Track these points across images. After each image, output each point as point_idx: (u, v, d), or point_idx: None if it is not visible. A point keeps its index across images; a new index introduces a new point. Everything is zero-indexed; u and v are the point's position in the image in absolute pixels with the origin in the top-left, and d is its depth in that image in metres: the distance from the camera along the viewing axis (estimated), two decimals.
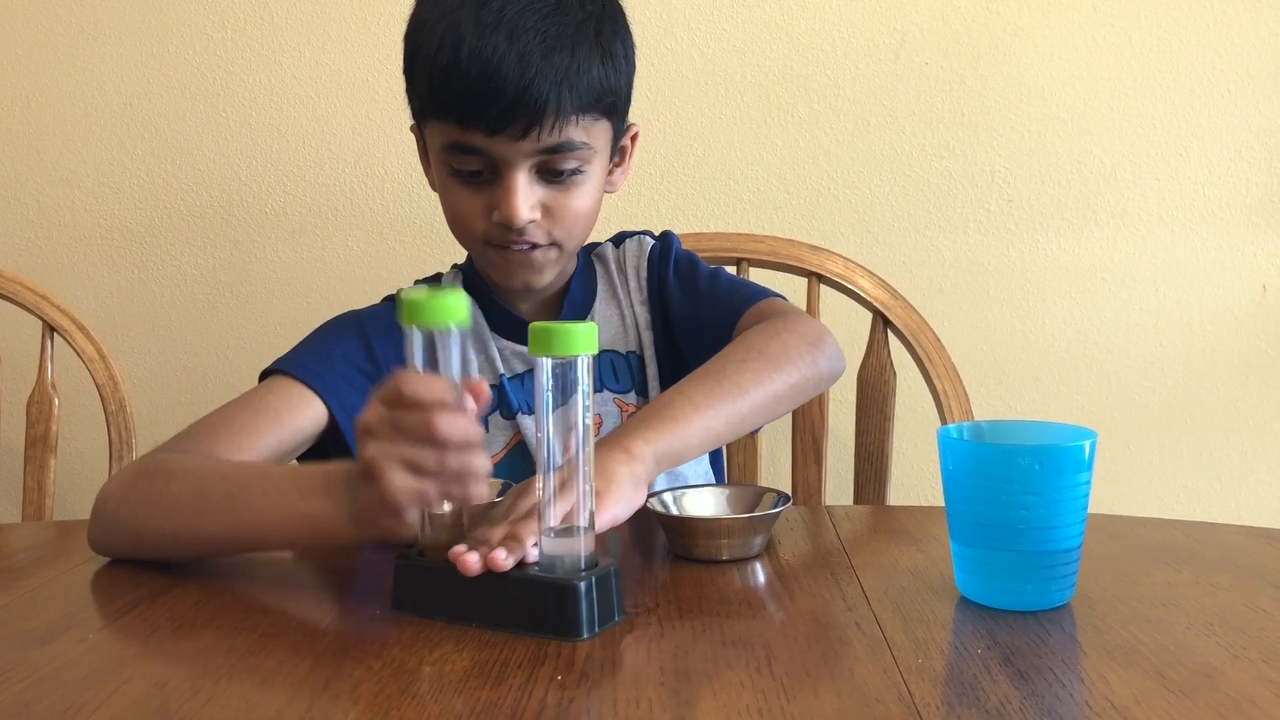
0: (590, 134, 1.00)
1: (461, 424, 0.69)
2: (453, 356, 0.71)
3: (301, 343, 1.06)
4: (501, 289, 1.12)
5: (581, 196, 1.02)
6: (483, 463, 0.70)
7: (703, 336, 1.06)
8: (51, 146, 1.62)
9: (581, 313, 1.13)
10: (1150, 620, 0.69)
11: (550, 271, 1.06)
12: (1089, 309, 1.59)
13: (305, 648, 0.66)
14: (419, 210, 1.60)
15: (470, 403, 0.71)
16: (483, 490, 0.71)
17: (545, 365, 0.68)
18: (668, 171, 1.56)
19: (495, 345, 1.11)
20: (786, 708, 0.56)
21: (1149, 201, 1.56)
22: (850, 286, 1.33)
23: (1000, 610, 0.71)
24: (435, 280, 1.17)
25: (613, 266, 1.16)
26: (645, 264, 1.15)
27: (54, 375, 1.34)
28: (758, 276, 1.37)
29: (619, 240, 1.19)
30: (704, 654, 0.64)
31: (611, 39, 1.01)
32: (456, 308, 0.69)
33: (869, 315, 1.33)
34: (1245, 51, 1.53)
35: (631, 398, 1.12)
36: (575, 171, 1.00)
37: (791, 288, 1.41)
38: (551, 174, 0.99)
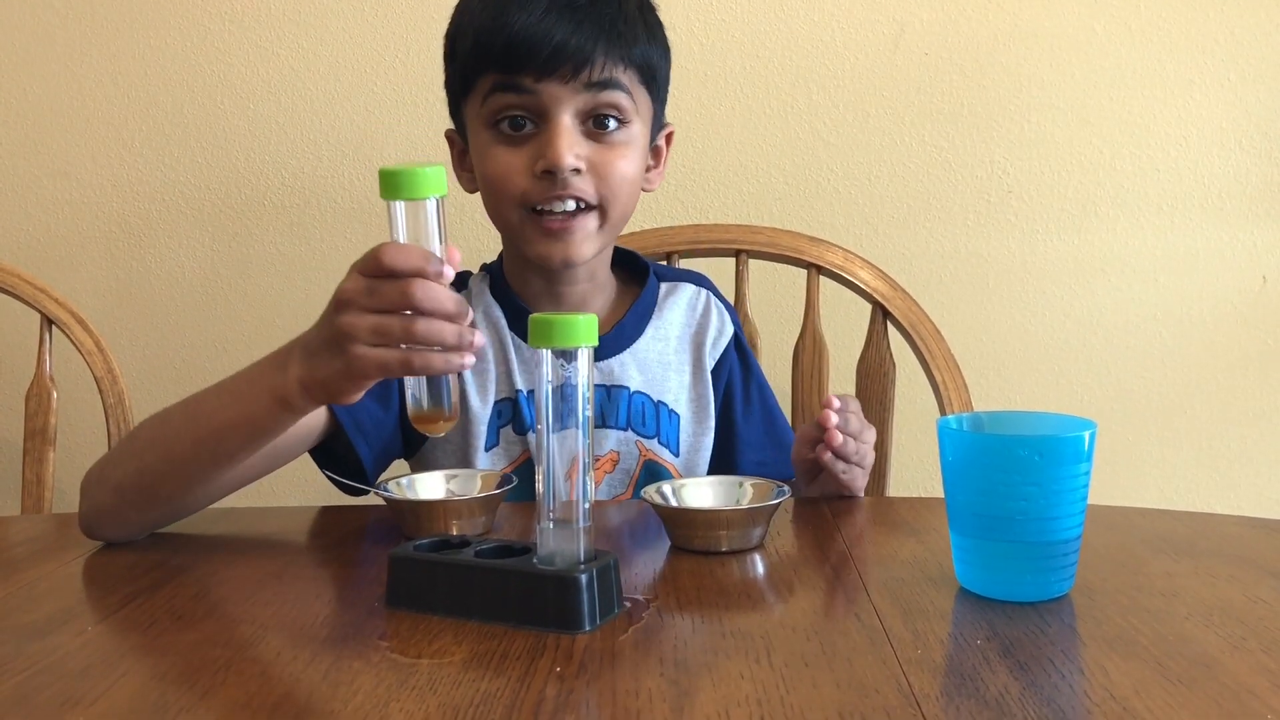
0: (634, 91, 1.02)
1: (436, 292, 0.71)
2: (432, 228, 0.72)
3: None
4: (531, 295, 1.10)
5: (625, 158, 1.02)
6: (455, 332, 0.72)
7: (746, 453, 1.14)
8: (49, 139, 1.61)
9: (623, 341, 1.12)
10: (1149, 611, 0.69)
11: (590, 245, 1.03)
12: (1088, 300, 1.58)
13: (303, 640, 0.66)
14: None
15: (448, 270, 0.73)
16: (456, 361, 0.73)
17: (546, 357, 0.68)
18: (667, 163, 1.56)
19: (519, 355, 1.09)
20: (785, 698, 0.56)
21: (1149, 192, 1.56)
22: (850, 278, 1.33)
23: (999, 601, 0.71)
24: (463, 278, 1.15)
25: (677, 315, 1.15)
26: (724, 344, 1.16)
27: (52, 368, 1.34)
28: (757, 268, 1.37)
29: (698, 281, 1.19)
30: (703, 645, 0.64)
31: (653, 21, 1.06)
32: (435, 178, 0.72)
33: (868, 307, 1.33)
34: (1245, 41, 1.53)
35: (654, 445, 1.11)
36: (619, 127, 1.02)
37: (791, 279, 1.41)
38: (597, 124, 1.01)
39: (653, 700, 0.56)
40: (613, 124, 1.01)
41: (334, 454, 1.02)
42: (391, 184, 0.71)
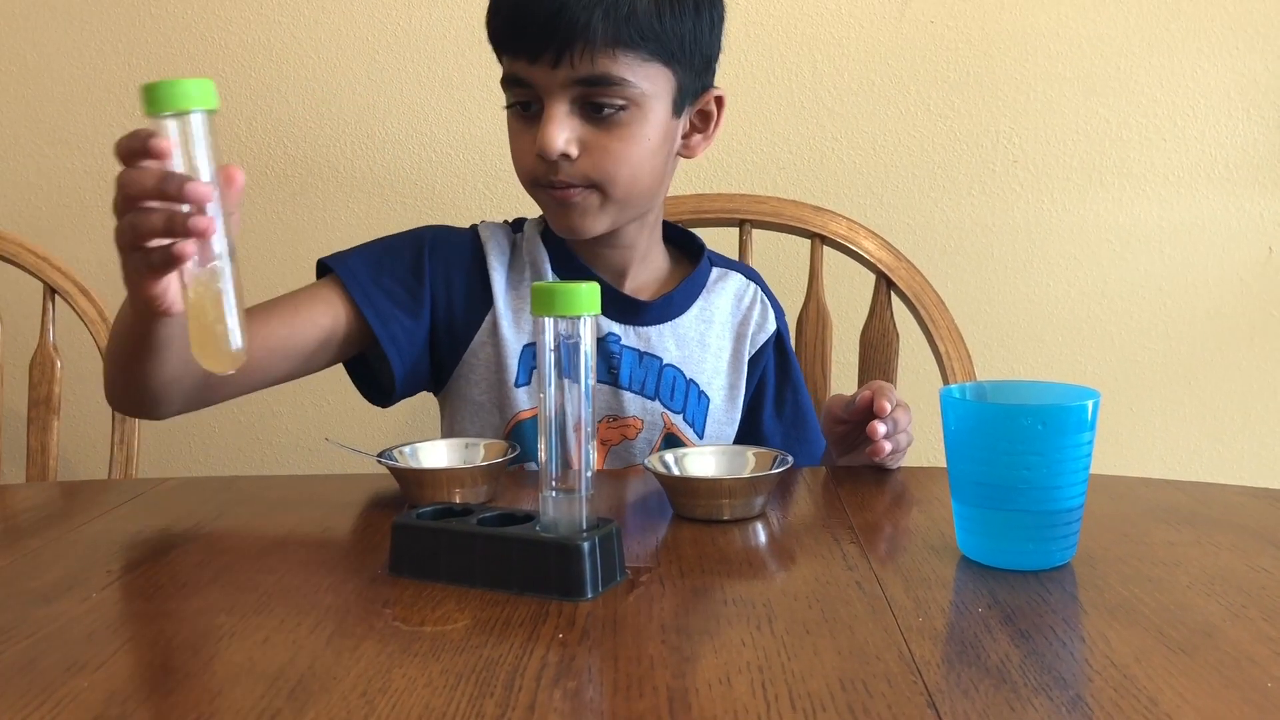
0: (637, 74, 0.98)
1: (139, 175, 0.70)
2: (199, 141, 0.71)
3: (369, 243, 1.10)
4: (577, 245, 1.10)
5: (626, 140, 0.99)
6: (164, 216, 0.70)
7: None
8: (50, 107, 1.61)
9: (668, 313, 1.12)
10: (1151, 579, 0.69)
11: (596, 220, 1.03)
12: (1093, 270, 1.58)
13: (307, 607, 0.66)
14: (420, 171, 1.60)
15: (200, 188, 0.70)
16: (202, 225, 0.69)
17: (548, 325, 0.68)
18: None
19: None
20: (787, 665, 0.56)
21: (1155, 162, 1.55)
22: (853, 248, 1.32)
23: (1001, 570, 0.71)
24: (517, 225, 1.15)
25: (724, 301, 1.16)
26: (763, 338, 1.17)
27: (56, 337, 1.34)
28: (761, 238, 1.36)
29: (750, 274, 1.20)
30: (705, 612, 0.65)
31: None
32: (201, 92, 0.70)
33: (872, 277, 1.32)
34: (1253, 9, 1.51)
35: (679, 420, 1.11)
36: (620, 110, 0.98)
37: (795, 249, 1.40)
38: (593, 108, 0.98)
39: (654, 666, 0.57)
40: (608, 110, 0.98)
41: (365, 369, 1.09)
42: (152, 99, 0.69)
